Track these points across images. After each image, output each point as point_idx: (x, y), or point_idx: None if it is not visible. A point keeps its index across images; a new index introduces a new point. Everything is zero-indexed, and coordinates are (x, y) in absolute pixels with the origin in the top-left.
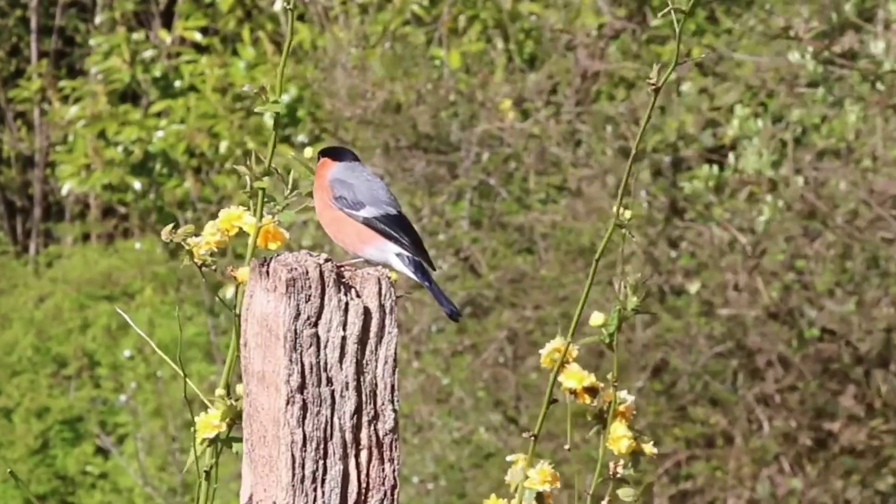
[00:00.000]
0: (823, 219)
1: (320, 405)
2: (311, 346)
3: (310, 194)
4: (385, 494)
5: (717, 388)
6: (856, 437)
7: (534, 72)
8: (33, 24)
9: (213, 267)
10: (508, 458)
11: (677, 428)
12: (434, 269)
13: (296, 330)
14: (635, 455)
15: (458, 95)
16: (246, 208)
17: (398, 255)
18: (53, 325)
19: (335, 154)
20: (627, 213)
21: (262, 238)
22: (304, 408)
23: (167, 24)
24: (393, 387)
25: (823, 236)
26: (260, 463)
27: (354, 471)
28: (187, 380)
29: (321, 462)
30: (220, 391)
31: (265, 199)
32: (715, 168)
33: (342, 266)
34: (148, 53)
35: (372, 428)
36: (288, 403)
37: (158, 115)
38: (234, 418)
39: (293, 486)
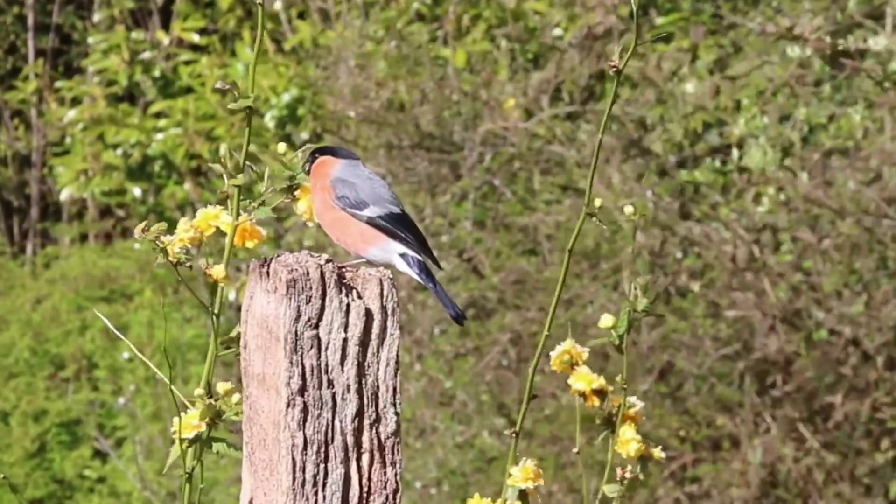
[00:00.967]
0: (832, 218)
1: (321, 408)
2: (311, 348)
3: (285, 190)
4: (387, 499)
5: (724, 390)
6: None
7: (538, 70)
8: (30, 21)
9: (189, 264)
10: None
11: (683, 430)
12: (440, 269)
13: (296, 332)
14: (643, 459)
15: (462, 95)
16: (224, 207)
17: (402, 255)
18: (51, 327)
19: (334, 153)
20: (629, 209)
21: (240, 236)
22: (305, 411)
23: (165, 24)
24: (395, 389)
25: (831, 235)
26: (260, 466)
27: (356, 475)
28: (172, 388)
29: (322, 466)
30: (199, 391)
31: (242, 198)
32: (718, 162)
33: (344, 267)
34: (146, 54)
35: (374, 431)
36: (288, 406)
37: (157, 115)
38: (214, 418)
39: (294, 490)
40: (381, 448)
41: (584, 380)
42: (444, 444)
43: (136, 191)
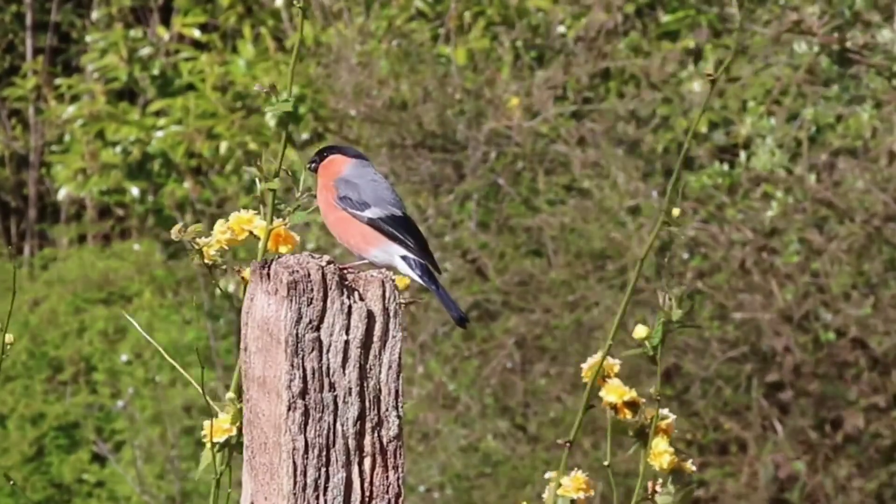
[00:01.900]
0: (840, 218)
1: (322, 411)
2: (313, 350)
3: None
4: (389, 503)
5: (731, 393)
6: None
7: (542, 69)
8: (28, 19)
9: (224, 267)
10: (546, 476)
11: (690, 434)
12: (440, 273)
13: (297, 334)
14: (675, 472)
15: (465, 93)
16: (255, 211)
17: (404, 258)
18: (49, 329)
19: (343, 152)
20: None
21: (273, 241)
22: (306, 414)
23: (165, 20)
24: (397, 392)
25: (839, 236)
26: (261, 470)
27: (358, 479)
28: (197, 386)
29: (323, 470)
30: (230, 395)
31: (275, 202)
32: (725, 165)
33: (345, 268)
34: (145, 51)
35: (376, 435)
36: (289, 409)
37: (157, 114)
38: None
39: (295, 494)
40: (384, 452)
41: (615, 392)
42: (447, 448)
43: (135, 191)
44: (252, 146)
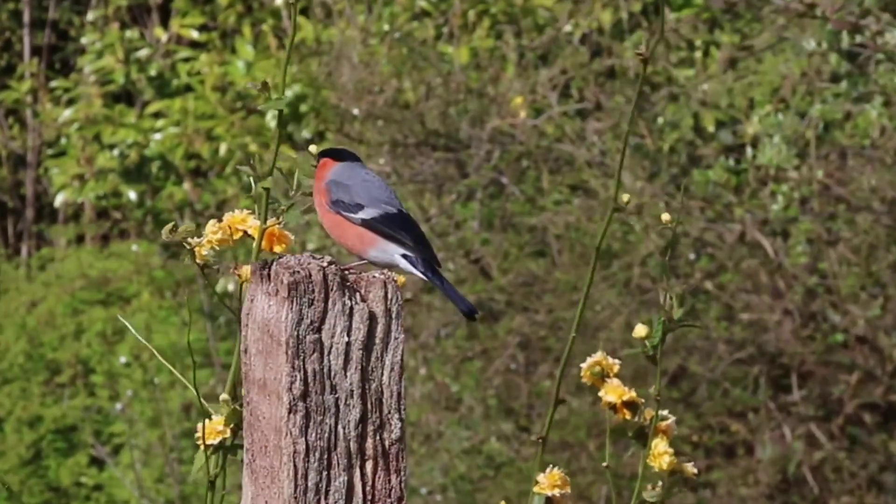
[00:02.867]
0: (850, 217)
1: (324, 414)
2: (314, 352)
3: (311, 195)
4: None
5: (738, 395)
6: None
7: (546, 67)
8: (26, 17)
9: (216, 267)
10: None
11: (696, 436)
12: (439, 267)
13: (298, 336)
14: (674, 473)
15: (468, 92)
16: (249, 211)
17: (404, 256)
18: (46, 331)
19: (334, 155)
20: (665, 216)
21: (267, 241)
22: (307, 416)
23: (163, 21)
24: (399, 394)
25: (845, 238)
26: (261, 474)
27: (359, 482)
28: (192, 387)
29: (325, 473)
30: (224, 396)
31: (269, 201)
32: (731, 161)
33: (347, 269)
34: (143, 52)
35: (378, 437)
36: (290, 412)
37: (155, 115)
38: (238, 424)
39: (296, 498)
40: (386, 455)
41: (615, 392)
42: (450, 450)
43: (132, 194)
44: (252, 147)
